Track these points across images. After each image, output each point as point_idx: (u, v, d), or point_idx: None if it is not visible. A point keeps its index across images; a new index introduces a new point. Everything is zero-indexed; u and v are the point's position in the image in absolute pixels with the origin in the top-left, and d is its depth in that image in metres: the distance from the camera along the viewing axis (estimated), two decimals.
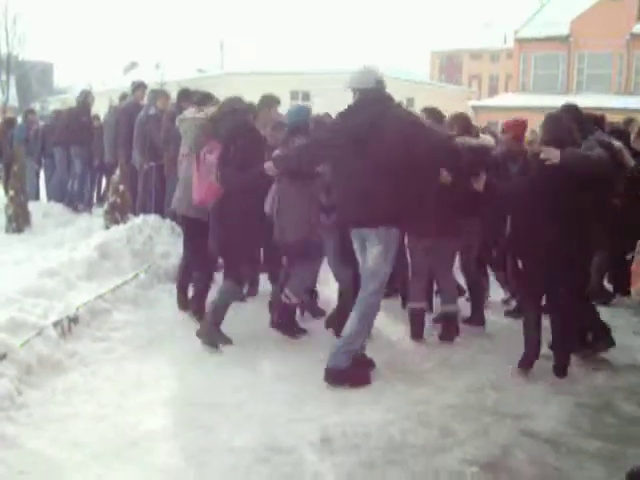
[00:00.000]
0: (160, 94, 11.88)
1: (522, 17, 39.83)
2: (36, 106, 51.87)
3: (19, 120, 17.54)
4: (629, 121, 10.63)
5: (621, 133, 9.15)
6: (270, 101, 8.68)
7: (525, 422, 5.21)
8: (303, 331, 7.19)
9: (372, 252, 5.87)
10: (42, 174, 16.00)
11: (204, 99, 9.40)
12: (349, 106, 6.08)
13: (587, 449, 4.81)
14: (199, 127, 8.53)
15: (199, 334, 6.62)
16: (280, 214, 6.79)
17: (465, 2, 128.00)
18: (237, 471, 4.39)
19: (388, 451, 4.68)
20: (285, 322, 7.07)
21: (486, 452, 4.71)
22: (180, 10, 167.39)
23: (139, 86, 13.15)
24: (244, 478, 4.32)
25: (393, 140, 5.68)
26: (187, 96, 10.40)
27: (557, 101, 31.65)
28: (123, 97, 14.23)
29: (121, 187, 10.70)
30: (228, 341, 6.69)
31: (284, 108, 9.30)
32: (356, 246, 6.09)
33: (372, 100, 5.94)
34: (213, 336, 6.61)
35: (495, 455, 4.68)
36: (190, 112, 9.32)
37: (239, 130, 6.74)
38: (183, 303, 7.77)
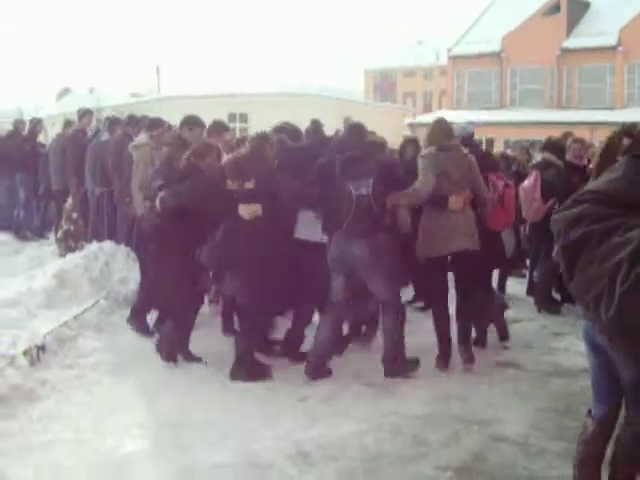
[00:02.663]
0: (114, 121, 11.94)
1: (454, 34, 40.59)
2: None
3: None
4: (567, 135, 10.84)
5: (557, 147, 9.38)
6: (220, 127, 8.87)
7: (493, 427, 5.44)
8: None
9: None
10: None
11: (154, 124, 9.54)
12: None
13: (554, 449, 5.05)
14: (150, 153, 8.72)
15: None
16: None
17: (396, 20, 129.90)
18: None
19: (365, 461, 4.86)
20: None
21: (459, 457, 4.93)
22: (113, 34, 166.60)
23: (85, 113, 13.17)
24: None
25: None
26: (135, 122, 10.52)
27: (491, 116, 32.31)
28: (67, 124, 14.18)
29: (74, 214, 10.72)
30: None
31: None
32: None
33: None
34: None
35: (468, 460, 4.90)
36: (142, 138, 9.44)
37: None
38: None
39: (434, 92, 54.99)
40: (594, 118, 29.66)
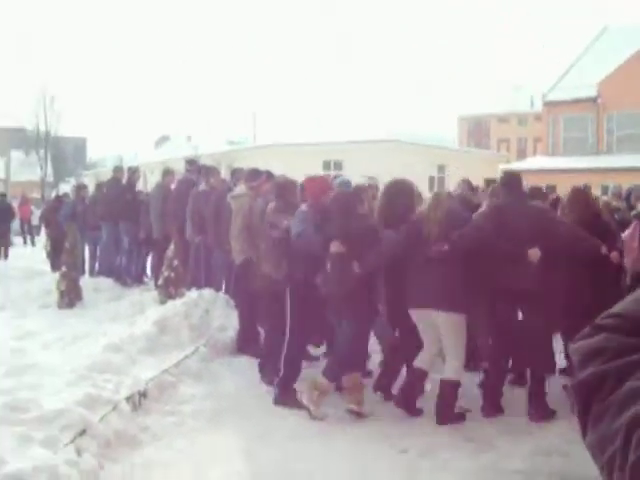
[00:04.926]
0: (212, 171, 12.33)
1: (549, 81, 40.25)
2: (71, 181, 53.02)
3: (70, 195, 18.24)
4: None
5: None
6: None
7: None
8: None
9: None
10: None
11: (253, 175, 9.77)
12: None
13: None
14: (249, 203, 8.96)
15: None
16: None
17: (490, 66, 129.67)
18: None
19: None
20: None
21: None
22: (210, 82, 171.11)
23: (192, 164, 13.90)
24: None
25: None
26: (238, 174, 10.87)
27: (587, 162, 31.72)
28: (166, 172, 14.60)
29: (175, 262, 10.99)
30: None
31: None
32: None
33: None
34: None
35: None
36: (241, 189, 9.67)
37: None
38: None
39: (528, 138, 54.55)
40: None
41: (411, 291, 6.89)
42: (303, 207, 7.38)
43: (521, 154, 52.30)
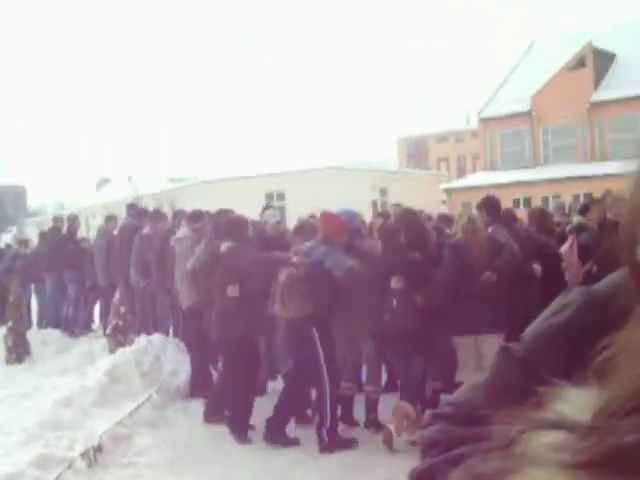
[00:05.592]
0: (161, 216, 12.29)
1: (483, 97, 40.82)
2: (13, 230, 52.31)
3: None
4: (607, 193, 10.83)
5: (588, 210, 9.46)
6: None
7: None
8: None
9: None
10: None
11: (195, 217, 9.76)
12: None
13: None
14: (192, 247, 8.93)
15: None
16: None
17: (426, 87, 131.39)
18: None
19: None
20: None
21: None
22: (149, 120, 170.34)
23: (133, 208, 13.81)
24: None
25: None
26: (180, 215, 10.84)
27: (526, 175, 32.11)
28: (109, 219, 14.51)
29: (122, 309, 10.91)
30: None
31: (257, 210, 9.77)
32: None
33: None
34: None
35: None
36: (183, 232, 9.66)
37: None
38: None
39: (467, 156, 55.15)
40: (629, 168, 29.48)
41: (459, 318, 6.89)
42: (322, 245, 7.27)
43: (461, 172, 52.90)
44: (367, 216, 12.29)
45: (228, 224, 8.05)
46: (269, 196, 32.64)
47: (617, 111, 34.76)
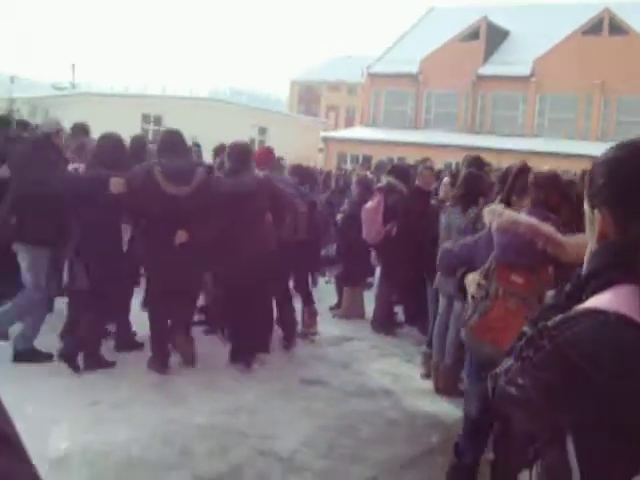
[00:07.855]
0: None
1: (378, 52, 40.86)
2: None
3: None
4: (424, 160, 11.13)
5: (402, 172, 9.72)
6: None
7: (266, 442, 5.53)
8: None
9: None
10: None
11: None
12: None
13: (314, 467, 5.18)
14: None
15: None
16: None
17: (326, 33, 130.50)
18: None
19: (121, 468, 4.91)
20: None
21: (217, 469, 5.02)
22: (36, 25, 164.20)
23: None
24: None
25: None
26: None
27: (405, 136, 32.42)
28: None
29: None
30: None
31: (135, 131, 9.59)
32: None
33: None
34: None
35: (224, 472, 4.99)
36: None
37: None
38: None
39: (357, 108, 55.28)
40: (503, 145, 30.22)
41: None
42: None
43: (349, 123, 53.13)
44: None
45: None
46: (146, 117, 32.11)
47: (501, 87, 35.56)
